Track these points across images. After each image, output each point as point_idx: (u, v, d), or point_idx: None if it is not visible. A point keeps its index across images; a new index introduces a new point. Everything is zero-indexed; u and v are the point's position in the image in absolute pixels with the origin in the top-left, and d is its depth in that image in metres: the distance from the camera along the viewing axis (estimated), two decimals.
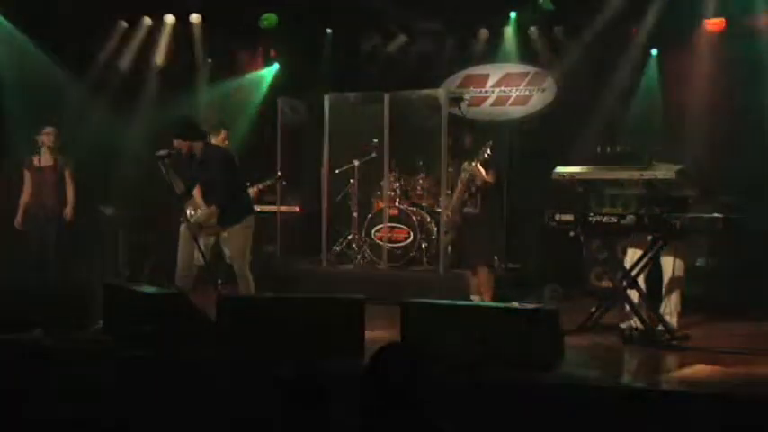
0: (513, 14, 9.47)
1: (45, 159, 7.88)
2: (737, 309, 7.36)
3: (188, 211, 7.90)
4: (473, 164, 7.07)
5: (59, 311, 5.87)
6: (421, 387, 3.08)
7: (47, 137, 7.81)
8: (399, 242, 8.66)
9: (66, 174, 7.93)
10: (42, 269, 7.52)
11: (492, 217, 7.13)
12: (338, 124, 9.16)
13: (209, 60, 10.30)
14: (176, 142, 6.50)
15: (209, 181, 6.61)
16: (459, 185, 7.28)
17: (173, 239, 8.16)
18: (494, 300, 6.99)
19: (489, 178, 7.07)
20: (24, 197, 7.91)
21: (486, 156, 7.00)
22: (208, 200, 6.67)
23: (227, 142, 7.62)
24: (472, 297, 7.04)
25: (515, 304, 5.55)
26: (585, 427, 4.30)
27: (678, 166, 5.98)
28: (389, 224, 8.69)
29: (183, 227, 6.64)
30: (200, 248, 6.40)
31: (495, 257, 8.39)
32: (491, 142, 7.14)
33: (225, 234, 6.74)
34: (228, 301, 5.58)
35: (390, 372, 3.08)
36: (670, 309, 6.41)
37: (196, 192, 7.53)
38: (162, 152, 6.34)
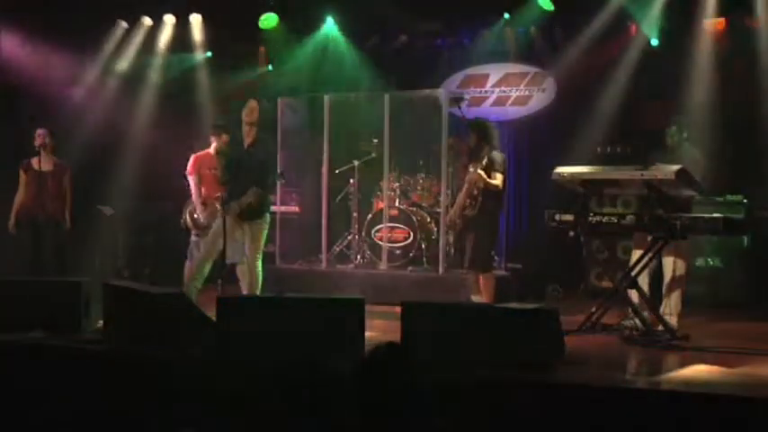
0: (507, 16, 9.46)
1: (45, 163, 7.75)
2: (737, 309, 7.37)
3: (187, 214, 7.91)
4: (476, 171, 6.86)
5: (59, 311, 5.87)
6: (413, 386, 3.10)
7: (40, 138, 7.67)
8: (399, 242, 8.66)
9: (66, 179, 7.84)
10: (38, 271, 7.45)
11: (490, 220, 7.07)
12: (338, 124, 9.17)
13: (209, 53, 10.31)
14: (254, 106, 6.68)
15: (257, 169, 6.63)
16: (466, 186, 7.15)
17: (172, 240, 8.19)
18: (494, 301, 6.99)
19: (496, 181, 6.88)
20: (21, 200, 7.75)
21: (485, 161, 6.88)
22: (241, 187, 6.64)
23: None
24: (473, 297, 7.03)
25: (515, 304, 5.54)
26: (586, 426, 4.30)
27: (678, 166, 5.98)
28: (389, 224, 8.69)
29: (214, 231, 6.64)
30: (224, 245, 6.46)
31: (495, 258, 8.41)
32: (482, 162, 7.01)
33: (238, 233, 6.75)
34: (228, 301, 5.57)
35: (383, 371, 3.10)
36: (670, 309, 6.42)
37: (194, 191, 7.55)
38: (218, 147, 6.88)
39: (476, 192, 6.93)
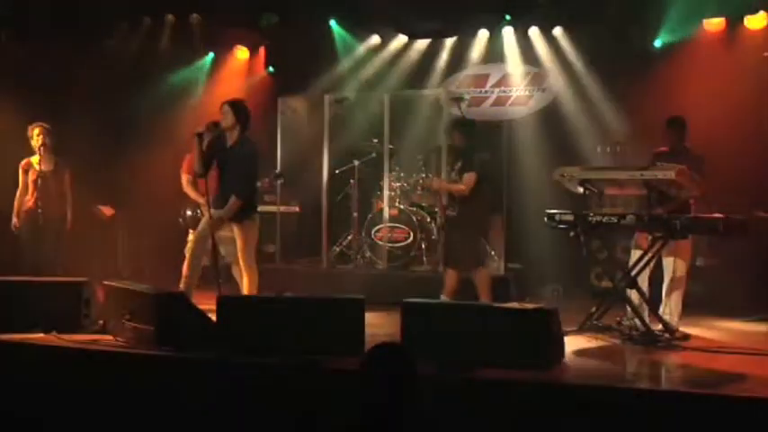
0: (507, 17, 9.47)
1: (45, 163, 7.69)
2: (737, 309, 7.36)
3: (187, 211, 7.95)
4: (439, 180, 7.36)
5: (59, 311, 5.87)
6: (412, 385, 3.10)
7: (39, 138, 7.57)
8: (399, 242, 8.66)
9: (66, 178, 7.81)
10: (38, 271, 7.42)
11: (473, 218, 7.11)
12: (338, 124, 9.16)
13: (213, 54, 10.32)
14: (226, 111, 6.60)
15: (236, 171, 6.63)
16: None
17: (172, 239, 8.17)
18: (492, 299, 7.00)
19: (461, 185, 7.05)
20: (23, 200, 7.67)
21: (460, 164, 7.08)
22: (227, 190, 6.65)
23: None
24: (442, 296, 7.03)
25: (515, 304, 5.54)
26: (586, 427, 4.30)
27: (678, 166, 5.97)
28: (389, 224, 8.69)
29: (201, 228, 6.65)
30: (214, 247, 6.47)
31: (493, 254, 8.43)
32: (460, 163, 7.17)
33: (227, 233, 6.76)
34: (228, 301, 5.57)
35: (384, 370, 3.11)
36: (670, 309, 6.42)
37: (192, 192, 7.54)
38: (200, 129, 6.62)
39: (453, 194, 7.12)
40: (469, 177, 7.00)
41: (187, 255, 6.84)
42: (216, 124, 7.34)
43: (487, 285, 7.02)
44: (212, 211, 6.56)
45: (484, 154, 7.12)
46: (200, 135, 6.59)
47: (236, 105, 6.70)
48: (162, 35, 9.98)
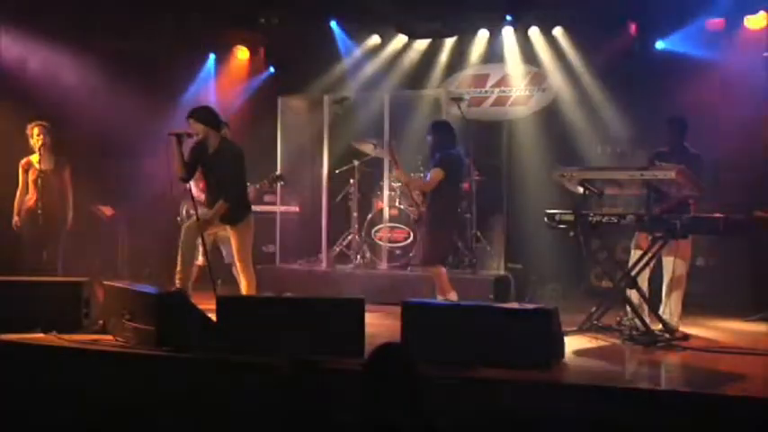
0: (508, 17, 9.47)
1: (45, 162, 7.67)
2: (737, 309, 7.37)
3: (183, 211, 7.95)
4: (405, 178, 7.50)
5: (59, 311, 5.87)
6: (416, 385, 3.11)
7: (39, 138, 7.54)
8: (399, 242, 8.66)
9: (66, 175, 7.79)
10: (38, 271, 7.40)
11: (438, 217, 7.09)
12: (338, 124, 9.16)
13: (214, 54, 10.33)
14: (192, 124, 6.56)
15: (221, 175, 6.63)
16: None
17: (172, 239, 8.17)
18: (450, 294, 6.93)
19: (425, 180, 7.12)
20: (23, 199, 7.64)
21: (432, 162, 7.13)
22: (214, 194, 6.66)
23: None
24: (438, 297, 7.02)
25: (515, 304, 5.54)
26: (585, 427, 4.30)
27: (678, 166, 5.98)
28: (389, 224, 8.69)
29: (188, 225, 6.66)
30: (204, 247, 6.47)
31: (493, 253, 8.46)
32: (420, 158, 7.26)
33: (225, 233, 6.77)
34: (228, 301, 5.57)
35: (387, 370, 3.11)
36: (670, 309, 6.43)
37: (193, 191, 7.54)
38: (178, 131, 6.51)
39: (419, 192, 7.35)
40: (434, 173, 6.95)
41: (180, 253, 6.87)
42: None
43: (443, 282, 6.92)
44: (199, 212, 6.56)
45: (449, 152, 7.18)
46: (178, 135, 6.48)
47: (196, 114, 6.64)
48: (162, 35, 9.97)
